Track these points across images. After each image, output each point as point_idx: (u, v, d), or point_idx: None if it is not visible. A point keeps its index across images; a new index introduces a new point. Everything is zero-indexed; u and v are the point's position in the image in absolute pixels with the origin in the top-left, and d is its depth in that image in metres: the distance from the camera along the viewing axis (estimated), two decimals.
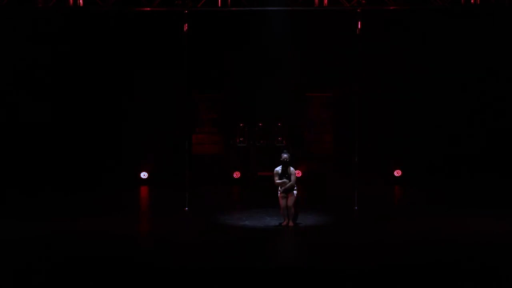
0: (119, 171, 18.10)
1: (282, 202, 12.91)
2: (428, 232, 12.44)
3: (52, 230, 12.52)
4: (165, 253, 11.03)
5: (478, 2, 15.23)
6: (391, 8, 15.47)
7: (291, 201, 12.85)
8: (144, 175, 18.67)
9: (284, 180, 12.83)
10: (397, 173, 18.74)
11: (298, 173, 17.33)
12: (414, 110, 18.69)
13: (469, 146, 18.36)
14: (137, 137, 18.64)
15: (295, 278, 9.51)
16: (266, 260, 10.60)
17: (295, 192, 12.87)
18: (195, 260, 10.46)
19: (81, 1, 15.12)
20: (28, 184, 17.09)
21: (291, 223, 12.94)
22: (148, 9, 15.51)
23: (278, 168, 12.90)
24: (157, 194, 17.50)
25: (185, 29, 14.72)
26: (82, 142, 18.24)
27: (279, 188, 12.88)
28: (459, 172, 18.28)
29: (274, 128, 18.85)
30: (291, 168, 12.86)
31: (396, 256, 10.85)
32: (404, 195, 17.66)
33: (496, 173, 17.90)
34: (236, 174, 18.76)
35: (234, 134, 18.96)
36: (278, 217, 13.17)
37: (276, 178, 12.88)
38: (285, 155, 12.87)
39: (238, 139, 18.84)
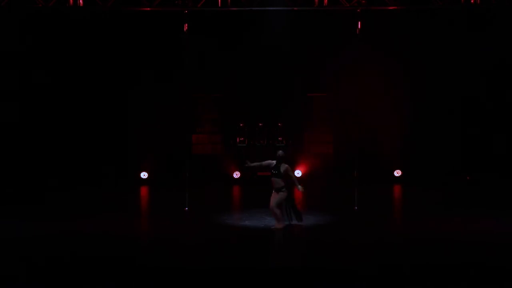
0: (119, 171, 18.12)
1: (271, 201, 12.64)
2: (428, 232, 12.44)
3: (52, 230, 12.51)
4: (165, 253, 11.03)
5: (478, 2, 15.23)
6: (391, 8, 15.47)
7: (273, 201, 12.52)
8: (144, 175, 18.68)
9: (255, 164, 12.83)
10: (397, 173, 18.75)
11: (298, 173, 17.38)
12: (413, 109, 18.68)
13: (469, 145, 18.38)
14: (137, 137, 18.64)
15: (295, 278, 9.51)
16: (266, 260, 10.59)
17: (282, 192, 12.52)
18: (195, 260, 10.46)
19: (81, 1, 15.13)
20: (27, 184, 17.11)
21: (276, 225, 12.64)
22: (148, 9, 15.52)
23: (272, 161, 12.69)
24: (157, 194, 17.50)
25: (185, 29, 14.72)
26: (82, 142, 18.25)
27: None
28: (459, 172, 18.30)
29: (274, 128, 18.85)
30: (284, 165, 12.53)
31: (396, 256, 10.85)
32: (404, 195, 17.66)
33: (496, 173, 17.92)
34: (236, 174, 18.76)
35: (234, 134, 18.95)
36: None
37: (260, 164, 12.77)
38: (280, 152, 12.69)
39: (238, 139, 18.84)
